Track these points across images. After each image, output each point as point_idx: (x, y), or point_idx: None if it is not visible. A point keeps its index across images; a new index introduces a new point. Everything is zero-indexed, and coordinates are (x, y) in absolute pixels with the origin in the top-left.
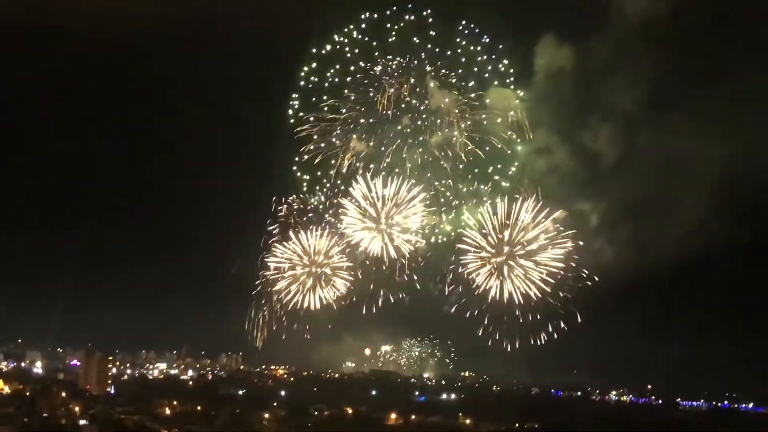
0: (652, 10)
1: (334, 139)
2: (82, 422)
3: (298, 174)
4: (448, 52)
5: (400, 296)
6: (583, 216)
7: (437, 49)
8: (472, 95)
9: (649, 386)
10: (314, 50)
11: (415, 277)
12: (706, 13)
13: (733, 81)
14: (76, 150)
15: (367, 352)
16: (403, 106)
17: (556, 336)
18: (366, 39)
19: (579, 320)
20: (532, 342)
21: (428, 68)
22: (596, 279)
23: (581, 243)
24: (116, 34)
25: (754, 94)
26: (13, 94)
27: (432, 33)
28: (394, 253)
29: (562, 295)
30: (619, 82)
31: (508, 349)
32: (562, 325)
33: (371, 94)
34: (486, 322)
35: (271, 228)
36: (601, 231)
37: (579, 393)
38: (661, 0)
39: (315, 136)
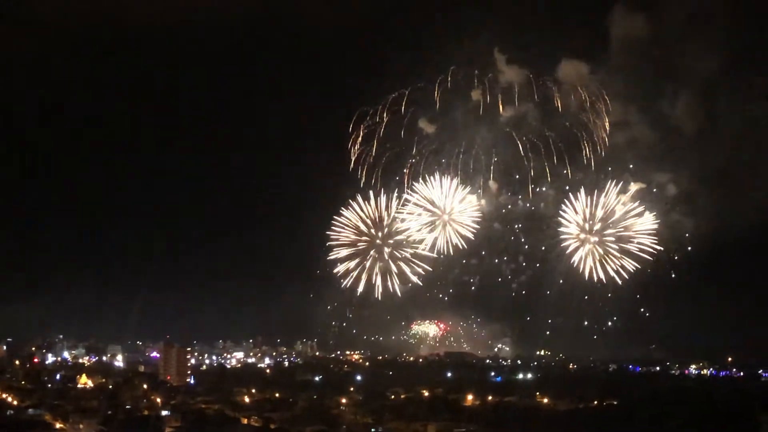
0: None
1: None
2: (164, 413)
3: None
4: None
5: (470, 279)
6: (663, 189)
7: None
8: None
9: (730, 358)
10: None
11: (486, 259)
12: None
13: None
14: (148, 147)
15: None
16: (473, 82)
17: (636, 312)
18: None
19: (659, 295)
20: (613, 320)
21: (498, 44)
22: (676, 252)
23: (662, 217)
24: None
25: None
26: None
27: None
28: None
29: (642, 269)
30: (696, 47)
31: (586, 326)
32: (642, 300)
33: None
34: (563, 301)
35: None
36: (681, 203)
37: (658, 368)
38: None
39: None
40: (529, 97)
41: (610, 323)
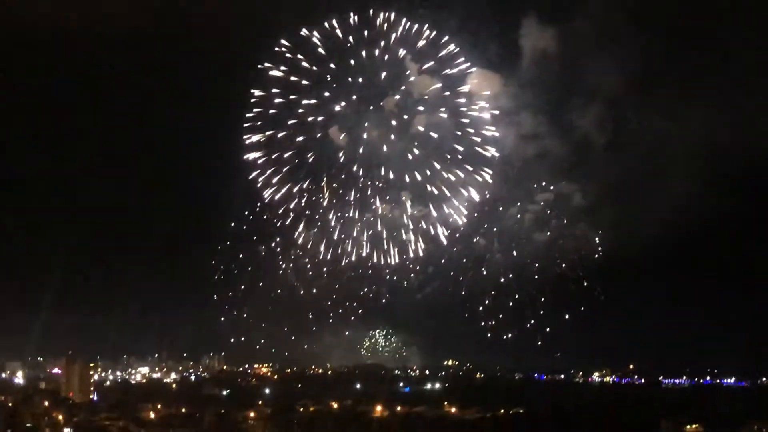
0: None
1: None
2: (66, 430)
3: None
4: (431, 36)
5: (379, 288)
6: (569, 199)
7: (420, 34)
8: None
9: (631, 366)
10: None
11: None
12: None
13: (721, 59)
14: (54, 161)
15: None
16: (386, 92)
17: (539, 320)
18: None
19: (561, 304)
20: (516, 327)
21: (409, 54)
22: (579, 261)
23: (567, 226)
24: None
25: (744, 72)
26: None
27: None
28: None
29: (545, 278)
30: (605, 62)
31: (492, 335)
32: (545, 308)
33: (350, 80)
34: (469, 310)
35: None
36: (586, 213)
37: (562, 376)
38: None
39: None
40: (440, 108)
41: (512, 334)
